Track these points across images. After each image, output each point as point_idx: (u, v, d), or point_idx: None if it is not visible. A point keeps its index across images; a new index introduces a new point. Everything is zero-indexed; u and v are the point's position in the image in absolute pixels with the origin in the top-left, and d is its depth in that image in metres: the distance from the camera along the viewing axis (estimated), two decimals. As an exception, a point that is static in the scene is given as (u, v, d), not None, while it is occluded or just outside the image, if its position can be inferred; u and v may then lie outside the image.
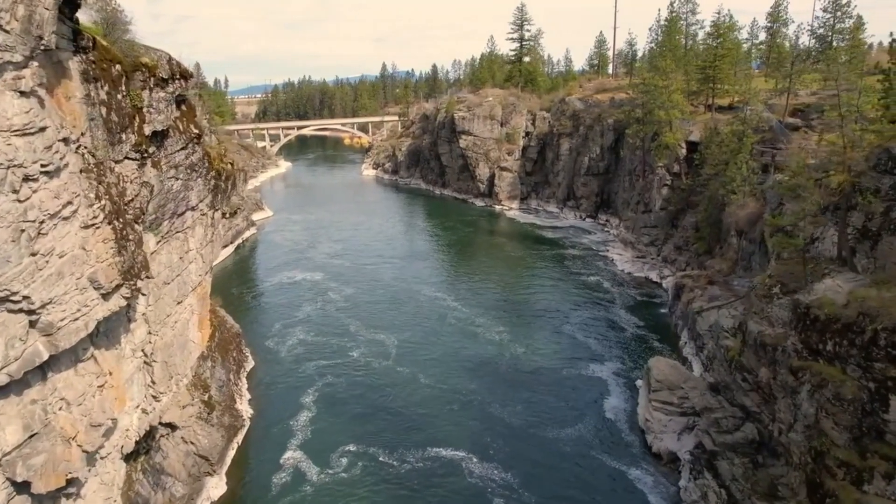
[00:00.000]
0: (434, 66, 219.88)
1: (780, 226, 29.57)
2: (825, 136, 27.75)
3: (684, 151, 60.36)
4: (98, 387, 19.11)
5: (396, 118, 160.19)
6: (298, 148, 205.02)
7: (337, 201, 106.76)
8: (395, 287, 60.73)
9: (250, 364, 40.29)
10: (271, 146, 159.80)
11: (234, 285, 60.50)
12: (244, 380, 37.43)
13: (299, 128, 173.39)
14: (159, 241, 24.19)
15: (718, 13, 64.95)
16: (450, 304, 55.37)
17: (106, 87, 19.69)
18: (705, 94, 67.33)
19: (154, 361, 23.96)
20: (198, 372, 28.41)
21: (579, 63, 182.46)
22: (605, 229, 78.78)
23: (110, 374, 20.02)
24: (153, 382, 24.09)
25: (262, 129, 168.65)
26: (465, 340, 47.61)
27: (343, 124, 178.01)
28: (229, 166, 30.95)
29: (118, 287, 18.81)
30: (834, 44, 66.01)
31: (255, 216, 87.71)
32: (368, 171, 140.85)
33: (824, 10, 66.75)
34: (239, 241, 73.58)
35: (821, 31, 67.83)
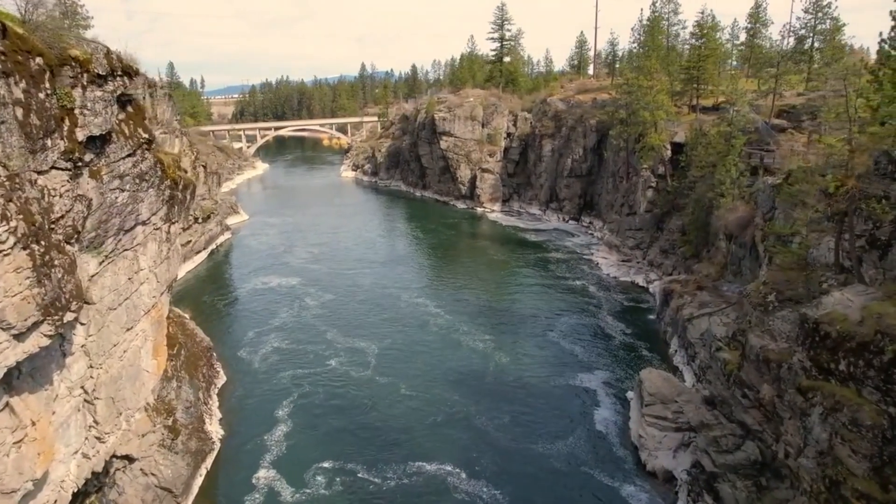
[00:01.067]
0: (414, 67, 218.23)
1: (780, 234, 28.28)
2: (823, 139, 26.50)
3: (669, 153, 59.40)
4: (14, 443, 16.28)
5: (376, 119, 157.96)
6: (276, 149, 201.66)
7: (315, 204, 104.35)
8: (374, 292, 58.87)
9: (222, 380, 38.08)
10: (248, 147, 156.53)
11: (207, 293, 58.05)
12: (215, 397, 35.25)
13: (277, 129, 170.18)
14: (102, 262, 21.43)
15: (702, 13, 64.23)
16: (432, 311, 53.66)
17: (22, 84, 16.68)
18: (689, 94, 66.53)
19: (97, 399, 21.27)
20: (161, 395, 26.21)
21: (559, 64, 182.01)
22: (589, 232, 77.69)
23: (33, 423, 17.16)
24: (96, 423, 21.40)
25: (239, 130, 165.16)
26: (447, 349, 45.94)
27: (321, 125, 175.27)
28: (187, 174, 28.12)
29: (37, 324, 16.00)
30: (815, 45, 65.72)
31: (230, 220, 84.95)
32: (347, 173, 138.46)
33: (805, 11, 66.34)
34: (213, 246, 70.98)
35: (802, 31, 67.43)
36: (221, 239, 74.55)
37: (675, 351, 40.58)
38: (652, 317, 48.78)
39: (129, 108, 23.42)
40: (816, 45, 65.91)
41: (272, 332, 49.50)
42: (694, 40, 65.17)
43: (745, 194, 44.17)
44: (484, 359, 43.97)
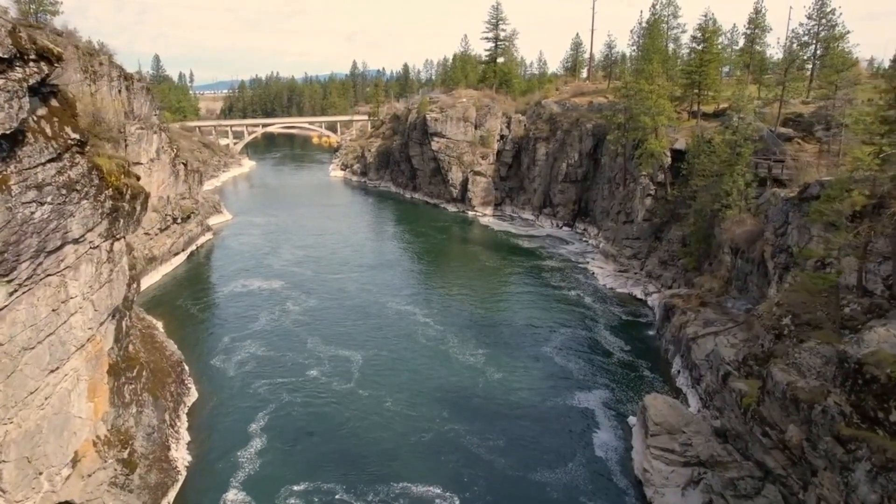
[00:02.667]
0: (405, 66, 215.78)
1: (812, 257, 25.96)
2: (851, 152, 24.30)
3: (669, 160, 57.26)
4: None
5: (366, 118, 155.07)
6: (265, 146, 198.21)
7: (302, 204, 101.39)
8: (360, 298, 56.32)
9: (193, 397, 35.26)
10: (235, 144, 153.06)
11: (183, 297, 55.12)
12: (183, 418, 32.45)
13: (265, 126, 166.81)
14: (14, 293, 17.83)
15: (705, 16, 62.19)
16: (420, 320, 51.18)
17: None
18: (690, 100, 64.51)
19: (4, 462, 17.89)
20: (116, 424, 23.40)
21: (553, 66, 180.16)
22: (584, 239, 75.49)
23: None
24: (2, 491, 18.08)
25: (226, 126, 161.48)
26: (436, 362, 43.50)
27: (311, 123, 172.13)
28: (135, 181, 24.30)
29: None
30: (818, 52, 64.02)
31: (213, 220, 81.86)
32: (336, 173, 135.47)
33: (808, 17, 64.59)
34: (192, 247, 67.90)
35: (805, 38, 65.67)
36: (202, 240, 71.51)
37: (678, 371, 38.34)
38: (651, 332, 46.55)
39: (53, 102, 19.91)
40: (819, 52, 64.25)
41: (250, 338, 47.06)
42: (695, 44, 63.11)
43: (751, 206, 42.05)
44: (474, 374, 41.57)
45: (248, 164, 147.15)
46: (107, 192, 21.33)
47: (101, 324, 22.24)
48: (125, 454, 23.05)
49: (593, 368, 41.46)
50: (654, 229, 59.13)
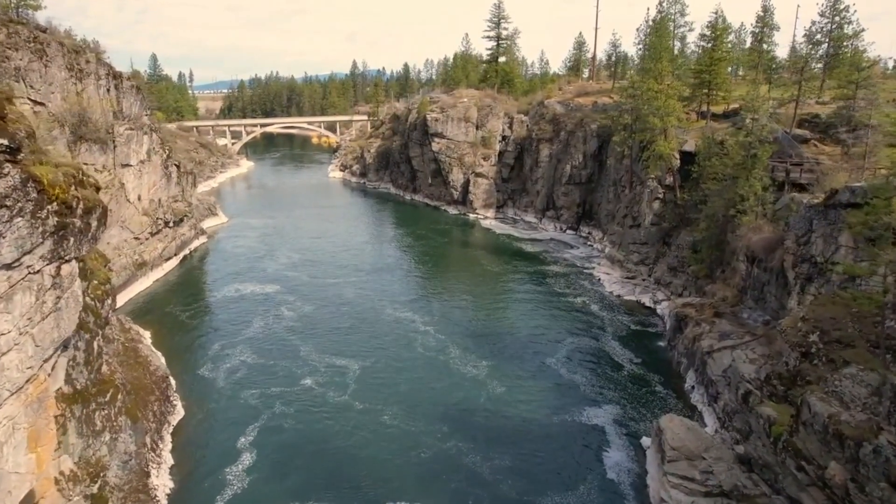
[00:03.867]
0: (406, 65, 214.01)
1: (858, 274, 23.87)
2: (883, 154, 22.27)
3: (678, 162, 55.19)
4: None
5: (366, 118, 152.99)
6: (265, 146, 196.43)
7: (300, 206, 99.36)
8: (357, 304, 54.41)
9: (178, 415, 33.20)
10: (233, 144, 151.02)
11: (173, 303, 53.11)
12: (167, 438, 30.44)
13: (263, 126, 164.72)
14: None
15: (716, 13, 60.05)
16: (419, 328, 49.19)
17: None
18: (699, 100, 62.44)
19: None
20: (84, 455, 21.35)
21: (555, 66, 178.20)
22: (588, 243, 73.44)
23: None
24: None
25: (224, 126, 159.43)
26: (436, 373, 41.54)
27: (309, 123, 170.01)
28: (91, 193, 21.35)
29: None
30: (831, 51, 61.93)
31: (208, 222, 79.86)
32: (335, 174, 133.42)
33: (821, 15, 62.49)
34: (185, 252, 65.85)
35: (818, 36, 63.58)
36: (196, 243, 69.47)
37: (692, 387, 36.28)
38: (662, 343, 44.49)
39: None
40: (832, 51, 62.15)
41: (242, 346, 45.35)
42: (705, 42, 61.01)
43: (767, 212, 40.00)
44: (476, 386, 39.58)
45: (246, 165, 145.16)
46: (50, 207, 18.34)
47: (46, 360, 19.53)
48: (94, 488, 21.00)
49: (602, 382, 39.40)
50: (663, 234, 57.07)
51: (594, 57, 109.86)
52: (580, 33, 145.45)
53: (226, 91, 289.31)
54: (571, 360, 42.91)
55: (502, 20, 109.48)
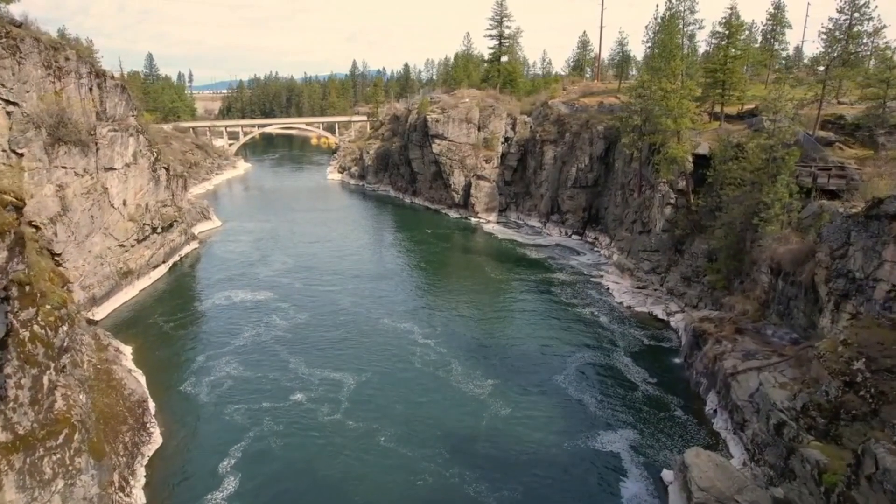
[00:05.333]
0: (406, 65, 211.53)
1: None
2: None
3: (691, 166, 52.35)
4: None
5: (365, 119, 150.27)
6: (263, 147, 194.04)
7: (296, 209, 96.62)
8: (354, 314, 51.85)
9: (155, 443, 30.39)
10: (230, 146, 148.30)
11: (159, 313, 50.39)
12: (140, 472, 27.64)
13: (261, 126, 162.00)
14: None
15: (731, 8, 57.13)
16: (418, 340, 46.54)
17: None
18: (711, 100, 59.63)
19: None
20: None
21: (558, 66, 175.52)
22: (595, 249, 70.61)
23: None
24: None
25: (220, 126, 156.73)
26: (436, 391, 38.90)
27: (308, 124, 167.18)
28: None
29: None
30: (851, 49, 59.07)
31: (200, 227, 77.15)
32: (334, 175, 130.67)
33: (839, 11, 59.64)
34: (175, 258, 63.06)
35: (836, 33, 60.73)
36: (186, 249, 66.69)
37: (714, 411, 33.45)
38: (678, 360, 41.65)
39: None
40: (853, 48, 59.27)
41: (229, 357, 43.04)
42: (719, 40, 58.14)
43: (792, 220, 37.18)
44: (479, 407, 36.87)
45: (243, 167, 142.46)
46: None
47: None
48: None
49: (615, 403, 36.59)
50: (675, 241, 54.24)
51: (599, 56, 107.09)
52: (584, 32, 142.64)
53: (225, 91, 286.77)
54: (581, 378, 40.15)
55: (504, 18, 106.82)
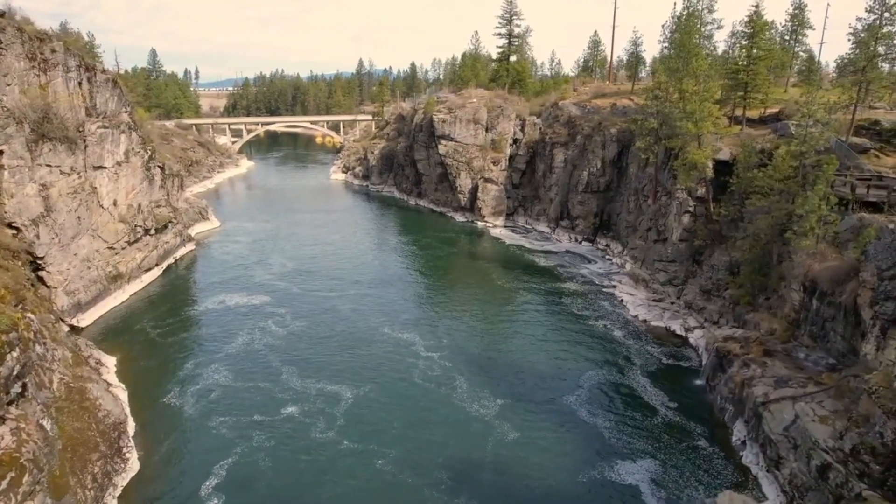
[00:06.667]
0: (413, 65, 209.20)
1: None
2: None
3: (712, 172, 49.43)
4: None
5: (370, 118, 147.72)
6: (268, 145, 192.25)
7: (298, 209, 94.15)
8: (353, 322, 49.54)
9: (130, 471, 27.77)
10: (233, 143, 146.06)
11: (147, 319, 47.97)
12: (111, 504, 25.04)
13: (264, 124, 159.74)
14: None
15: (755, 6, 54.09)
16: (420, 352, 43.96)
17: None
18: (732, 103, 56.69)
19: None
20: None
21: (567, 67, 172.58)
22: (607, 257, 67.74)
23: None
24: None
25: (224, 124, 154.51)
26: (438, 411, 36.38)
27: (312, 122, 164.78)
28: None
29: None
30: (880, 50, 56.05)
31: (198, 227, 74.74)
32: (337, 175, 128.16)
33: (868, 11, 56.59)
34: (169, 261, 60.56)
35: (863, 35, 57.69)
36: (182, 251, 64.20)
37: (743, 443, 30.60)
38: (699, 382, 38.78)
39: None
40: (881, 50, 56.24)
41: (219, 366, 40.93)
42: (743, 39, 55.16)
43: (828, 234, 34.28)
44: (484, 429, 34.28)
45: (246, 165, 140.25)
46: None
47: None
48: None
49: (632, 430, 33.79)
50: (693, 251, 51.38)
51: (612, 56, 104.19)
52: (595, 32, 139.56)
53: (231, 89, 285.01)
54: (594, 399, 37.39)
55: (514, 17, 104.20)
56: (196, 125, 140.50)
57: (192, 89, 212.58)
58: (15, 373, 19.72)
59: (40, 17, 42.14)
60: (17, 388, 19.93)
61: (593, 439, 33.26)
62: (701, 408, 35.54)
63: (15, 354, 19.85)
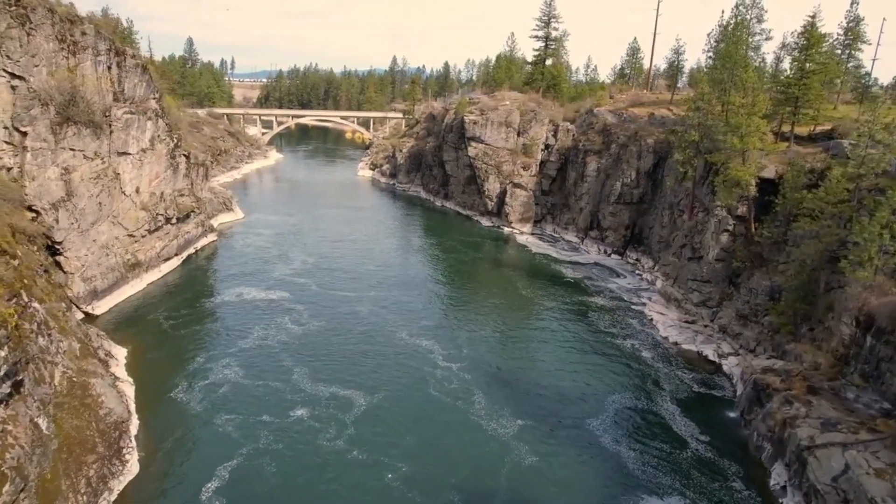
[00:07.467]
0: (446, 64, 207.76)
1: None
2: None
3: (755, 191, 46.70)
4: None
5: (401, 116, 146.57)
6: (298, 138, 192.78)
7: (323, 204, 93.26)
8: (371, 324, 48.28)
9: (129, 473, 26.53)
10: (263, 135, 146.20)
11: (162, 310, 47.15)
12: (105, 512, 23.81)
13: (295, 117, 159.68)
14: None
15: (812, 15, 51.11)
16: (439, 362, 42.30)
17: None
18: (780, 118, 53.79)
19: None
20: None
21: (603, 73, 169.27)
22: (636, 272, 65.21)
23: None
24: None
25: (255, 115, 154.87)
26: (454, 424, 34.82)
27: (343, 117, 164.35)
28: None
29: None
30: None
31: (221, 218, 74.15)
32: (364, 172, 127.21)
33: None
34: (189, 251, 59.83)
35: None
36: (203, 242, 63.48)
37: (783, 488, 28.20)
38: (732, 414, 36.32)
39: None
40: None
41: (230, 361, 39.87)
42: (796, 52, 52.17)
43: (887, 266, 31.61)
44: (500, 451, 32.52)
45: (274, 157, 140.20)
46: None
47: None
48: None
49: (660, 463, 31.58)
50: (730, 273, 48.76)
51: (651, 64, 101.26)
52: (634, 38, 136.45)
53: (265, 80, 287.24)
54: (619, 425, 35.26)
55: (552, 19, 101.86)
56: (227, 115, 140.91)
57: (226, 79, 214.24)
58: (3, 372, 18.53)
59: (85, 3, 41.46)
60: (5, 389, 18.76)
61: (617, 470, 31.20)
62: (735, 443, 33.12)
63: (2, 354, 18.65)
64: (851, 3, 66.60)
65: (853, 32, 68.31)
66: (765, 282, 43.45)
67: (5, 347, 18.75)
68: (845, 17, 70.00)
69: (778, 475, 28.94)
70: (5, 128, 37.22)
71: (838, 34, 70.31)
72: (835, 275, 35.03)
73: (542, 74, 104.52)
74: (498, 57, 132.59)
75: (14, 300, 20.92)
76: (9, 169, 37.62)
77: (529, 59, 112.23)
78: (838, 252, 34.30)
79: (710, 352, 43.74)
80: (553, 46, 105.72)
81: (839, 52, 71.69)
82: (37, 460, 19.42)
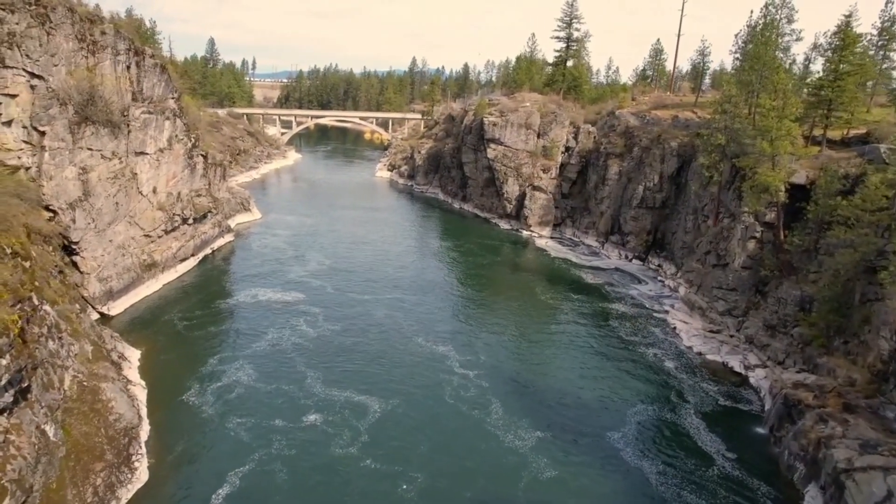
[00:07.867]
0: (466, 65, 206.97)
1: None
2: None
3: (784, 197, 45.04)
4: None
5: (420, 117, 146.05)
6: (317, 138, 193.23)
7: (341, 205, 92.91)
8: (386, 328, 47.56)
9: (138, 482, 25.97)
10: (282, 135, 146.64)
11: (177, 311, 46.86)
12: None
13: (314, 118, 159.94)
14: None
15: (848, 15, 49.24)
16: (455, 369, 41.39)
17: None
18: (811, 122, 51.96)
19: None
20: None
21: (625, 75, 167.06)
22: (658, 278, 63.63)
23: None
24: None
25: (274, 115, 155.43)
26: (470, 434, 33.87)
27: (362, 118, 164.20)
28: None
29: None
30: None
31: (238, 219, 74.01)
32: (382, 173, 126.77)
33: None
34: (206, 251, 59.63)
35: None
36: (220, 242, 63.30)
37: (815, 509, 26.81)
38: (761, 430, 34.82)
39: None
40: None
41: (244, 363, 39.49)
42: (830, 52, 50.28)
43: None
44: (519, 463, 31.57)
45: (293, 157, 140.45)
46: None
47: None
48: None
49: (684, 480, 30.29)
50: (757, 281, 47.10)
51: (675, 66, 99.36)
52: (658, 39, 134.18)
53: (285, 80, 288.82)
54: (641, 439, 34.01)
55: (574, 20, 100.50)
56: (247, 114, 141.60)
57: (246, 79, 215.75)
58: (4, 381, 18.03)
59: (110, 3, 41.31)
60: (8, 398, 18.26)
61: (640, 486, 30.01)
62: (764, 461, 31.68)
63: (4, 362, 18.13)
64: (886, 3, 64.42)
65: (888, 32, 66.01)
66: (795, 291, 41.81)
67: (7, 356, 18.24)
68: (879, 17, 67.69)
69: (812, 498, 27.50)
70: (24, 127, 37.10)
71: (872, 35, 68.07)
72: (872, 286, 33.45)
73: (563, 76, 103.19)
74: (518, 58, 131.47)
75: (19, 305, 20.43)
76: (27, 168, 37.52)
77: (550, 60, 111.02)
78: (876, 262, 32.75)
79: (735, 363, 42.21)
80: (574, 47, 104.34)
81: (872, 52, 69.43)
82: (42, 469, 18.93)
